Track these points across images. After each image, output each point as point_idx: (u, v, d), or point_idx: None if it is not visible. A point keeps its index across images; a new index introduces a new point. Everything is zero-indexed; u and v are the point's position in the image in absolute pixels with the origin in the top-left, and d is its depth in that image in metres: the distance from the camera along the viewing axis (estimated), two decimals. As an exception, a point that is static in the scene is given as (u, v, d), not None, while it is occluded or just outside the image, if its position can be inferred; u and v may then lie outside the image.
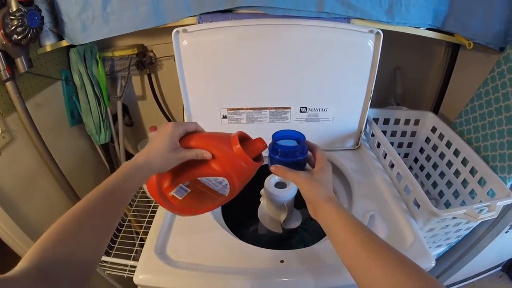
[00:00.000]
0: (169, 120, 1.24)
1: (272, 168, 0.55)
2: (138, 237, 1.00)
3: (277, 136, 0.58)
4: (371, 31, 0.76)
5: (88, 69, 1.02)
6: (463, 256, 0.95)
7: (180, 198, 0.54)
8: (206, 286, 0.58)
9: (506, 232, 0.85)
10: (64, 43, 0.91)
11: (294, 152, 0.55)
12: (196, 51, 0.77)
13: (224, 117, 0.85)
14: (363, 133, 0.90)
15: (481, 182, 0.75)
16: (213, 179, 0.52)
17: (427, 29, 0.83)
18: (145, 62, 1.08)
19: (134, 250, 0.86)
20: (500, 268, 1.28)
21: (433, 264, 0.59)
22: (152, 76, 1.16)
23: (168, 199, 0.53)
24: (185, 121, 0.87)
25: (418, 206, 0.68)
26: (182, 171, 0.51)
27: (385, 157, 0.85)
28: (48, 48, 0.90)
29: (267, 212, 0.92)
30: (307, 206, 0.50)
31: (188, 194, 0.54)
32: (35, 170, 0.92)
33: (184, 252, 0.63)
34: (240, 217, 1.08)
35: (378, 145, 0.89)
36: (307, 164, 0.56)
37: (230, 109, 0.84)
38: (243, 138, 0.54)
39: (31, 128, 0.86)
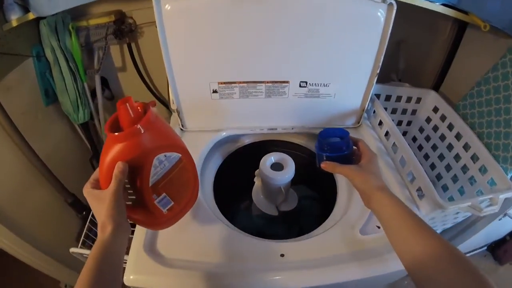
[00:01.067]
0: (153, 93, 1.14)
1: (322, 165, 0.58)
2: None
3: (322, 134, 0.62)
4: (383, 1, 0.66)
5: (61, 42, 0.90)
6: (454, 238, 0.96)
7: (170, 205, 0.49)
8: (203, 286, 0.53)
9: (499, 220, 0.85)
10: (31, 15, 0.79)
11: (340, 147, 0.58)
12: (180, 16, 0.65)
13: (215, 91, 0.76)
14: (365, 111, 0.83)
15: (482, 169, 0.72)
16: (157, 165, 0.45)
17: (442, 4, 0.75)
18: (123, 30, 0.96)
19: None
20: (485, 248, 1.32)
21: None
22: (133, 45, 1.04)
23: (167, 218, 0.50)
24: (170, 95, 0.78)
25: (421, 193, 0.64)
26: (137, 194, 0.46)
27: (386, 135, 0.80)
28: (14, 23, 0.78)
29: (261, 194, 0.86)
30: (361, 197, 0.53)
31: (167, 197, 0.49)
32: (10, 160, 0.84)
33: (176, 247, 0.58)
34: (233, 195, 1.04)
35: (380, 122, 0.83)
36: (353, 158, 0.59)
37: (221, 83, 0.75)
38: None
39: (2, 115, 0.77)
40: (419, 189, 0.65)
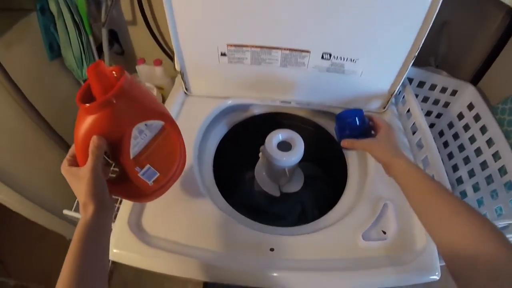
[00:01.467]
0: (162, 49, 1.05)
1: (342, 143, 0.60)
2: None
3: (340, 117, 0.62)
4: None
5: None
6: None
7: (156, 177, 0.46)
8: (185, 271, 0.50)
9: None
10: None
11: (355, 124, 0.60)
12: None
13: (223, 54, 0.67)
14: (394, 96, 0.72)
15: (507, 185, 0.63)
16: (138, 136, 0.41)
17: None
18: None
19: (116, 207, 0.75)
20: None
21: (437, 277, 0.50)
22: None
23: (153, 190, 0.47)
24: (175, 56, 0.69)
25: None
26: (119, 167, 0.42)
27: (413, 125, 0.69)
28: None
29: (264, 172, 0.80)
30: (383, 168, 0.53)
31: (152, 168, 0.45)
32: (13, 120, 0.82)
33: (161, 226, 0.54)
34: (236, 166, 0.98)
35: (407, 111, 0.73)
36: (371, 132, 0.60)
37: (231, 45, 0.65)
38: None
39: (3, 73, 0.72)
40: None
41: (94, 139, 0.37)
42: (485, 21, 0.84)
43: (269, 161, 0.69)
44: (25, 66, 0.85)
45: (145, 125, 0.41)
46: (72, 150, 0.42)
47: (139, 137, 0.41)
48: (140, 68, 0.89)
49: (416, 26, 0.59)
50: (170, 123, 0.45)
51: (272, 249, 0.52)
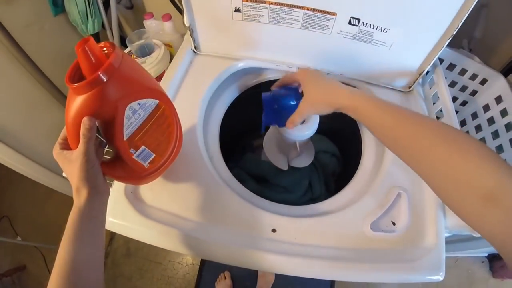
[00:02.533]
0: (174, 4, 0.95)
1: (286, 125, 0.54)
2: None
3: (266, 103, 0.58)
4: None
5: None
6: (456, 243, 0.87)
7: (152, 158, 0.44)
8: (180, 246, 0.47)
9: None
10: None
11: (289, 101, 0.54)
12: None
13: (237, 10, 0.59)
14: (422, 76, 0.64)
15: None
16: (131, 116, 0.39)
17: None
18: None
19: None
20: (486, 254, 1.28)
21: (441, 278, 0.47)
22: None
23: (150, 172, 0.45)
24: (184, 9, 0.62)
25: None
26: (113, 149, 0.41)
27: (438, 112, 0.63)
28: None
29: (274, 144, 0.76)
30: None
31: (147, 149, 0.43)
32: (15, 79, 0.78)
33: (160, 196, 0.51)
34: (245, 132, 0.94)
35: (434, 94, 0.66)
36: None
37: (247, 0, 0.58)
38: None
39: (1, 30, 0.69)
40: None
41: (84, 121, 0.35)
42: None
43: (280, 132, 0.64)
44: (27, 22, 0.80)
45: (139, 104, 0.39)
46: (63, 133, 0.40)
47: (133, 117, 0.39)
48: (147, 23, 0.82)
49: (457, 4, 0.51)
50: (165, 101, 0.43)
51: (274, 230, 0.49)
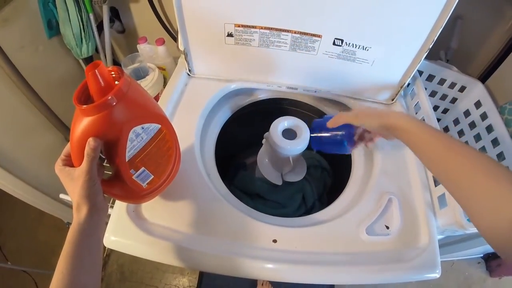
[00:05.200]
0: (165, 28, 1.00)
1: (328, 124, 0.56)
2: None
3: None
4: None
5: None
6: (452, 244, 0.90)
7: (150, 179, 0.45)
8: (183, 261, 0.48)
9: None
10: None
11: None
12: None
13: (230, 35, 0.63)
14: (403, 88, 0.69)
15: None
16: (134, 139, 0.40)
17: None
18: None
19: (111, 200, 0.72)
20: (481, 255, 1.31)
21: (437, 275, 0.49)
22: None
23: (147, 192, 0.46)
24: (179, 34, 0.66)
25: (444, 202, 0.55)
26: (113, 168, 0.42)
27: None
28: None
29: (267, 159, 0.79)
30: (383, 136, 0.51)
31: (147, 171, 0.44)
32: (9, 100, 0.79)
33: (161, 213, 0.52)
34: (238, 151, 0.97)
35: (416, 104, 0.71)
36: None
37: (239, 25, 0.62)
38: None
39: None
40: (442, 196, 0.56)
41: (90, 141, 0.36)
42: (498, 19, 0.82)
43: (273, 148, 0.67)
44: (22, 43, 0.82)
45: (142, 128, 0.40)
46: (66, 149, 0.41)
47: (136, 140, 0.40)
48: (141, 47, 0.85)
49: (433, 18, 0.56)
50: (166, 126, 0.44)
51: (275, 241, 0.51)
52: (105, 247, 0.48)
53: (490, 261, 1.30)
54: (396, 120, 0.45)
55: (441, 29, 0.57)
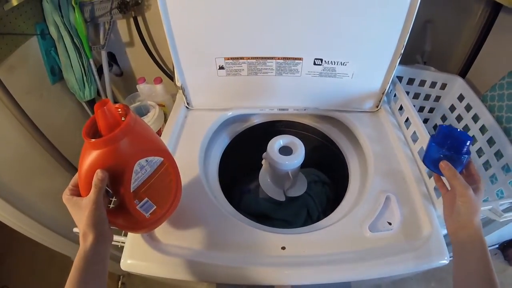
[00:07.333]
0: (160, 68, 1.09)
1: (442, 164, 0.49)
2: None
3: (444, 128, 0.52)
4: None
5: (65, 18, 0.89)
6: None
7: (153, 209, 0.47)
8: (202, 276, 0.51)
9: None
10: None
11: (462, 148, 0.49)
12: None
13: (221, 67, 0.70)
14: (385, 95, 0.75)
15: (505, 168, 0.65)
16: (139, 171, 0.43)
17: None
18: (128, 3, 0.91)
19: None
20: (497, 246, 1.28)
21: (447, 261, 0.52)
22: (139, 18, 0.98)
23: (150, 222, 0.48)
24: (175, 72, 0.73)
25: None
26: (118, 199, 0.44)
27: (406, 121, 0.73)
28: (15, 2, 0.76)
29: (269, 178, 0.83)
30: (452, 221, 0.48)
31: (150, 201, 0.46)
32: (16, 141, 0.83)
33: (175, 234, 0.56)
34: (240, 176, 1.00)
35: (400, 107, 0.76)
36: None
37: (228, 58, 0.69)
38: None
39: (6, 95, 0.75)
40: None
41: (98, 173, 0.39)
42: (466, 15, 0.89)
43: (273, 166, 0.72)
44: (28, 89, 0.87)
45: (146, 160, 0.44)
46: (74, 180, 0.44)
47: (140, 172, 0.43)
48: (141, 87, 0.93)
49: (399, 25, 0.63)
50: (168, 159, 0.47)
51: (283, 248, 0.53)
52: (119, 277, 0.50)
53: (507, 249, 1.26)
54: (471, 231, 0.46)
55: (408, 34, 0.63)
